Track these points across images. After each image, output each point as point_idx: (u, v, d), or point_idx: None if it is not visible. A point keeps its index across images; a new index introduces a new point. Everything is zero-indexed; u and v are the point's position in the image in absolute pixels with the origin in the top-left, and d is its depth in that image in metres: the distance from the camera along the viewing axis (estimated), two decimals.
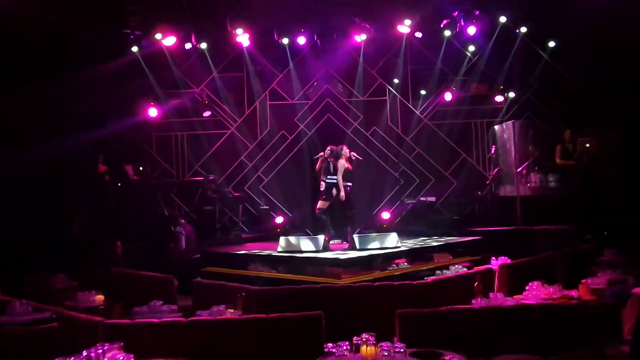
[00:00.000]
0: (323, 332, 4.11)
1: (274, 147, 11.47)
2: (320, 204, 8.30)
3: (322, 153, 8.37)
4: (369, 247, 7.82)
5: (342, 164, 8.19)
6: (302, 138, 11.53)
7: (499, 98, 11.10)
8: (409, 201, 10.98)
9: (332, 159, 8.22)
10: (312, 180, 10.25)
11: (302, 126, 11.55)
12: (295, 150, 11.52)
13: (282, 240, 8.07)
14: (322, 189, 8.25)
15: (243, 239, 10.02)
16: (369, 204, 11.12)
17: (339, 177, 8.09)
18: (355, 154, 8.36)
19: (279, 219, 10.73)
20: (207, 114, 11.03)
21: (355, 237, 8.04)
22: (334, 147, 8.40)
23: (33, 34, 7.64)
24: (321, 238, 7.98)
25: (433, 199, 10.87)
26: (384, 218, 10.60)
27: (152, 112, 10.68)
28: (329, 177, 8.25)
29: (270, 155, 11.46)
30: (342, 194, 7.99)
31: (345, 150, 8.36)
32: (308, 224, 10.85)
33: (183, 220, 8.32)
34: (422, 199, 10.94)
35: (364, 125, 11.52)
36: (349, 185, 8.27)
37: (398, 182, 11.28)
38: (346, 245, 8.29)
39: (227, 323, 4.18)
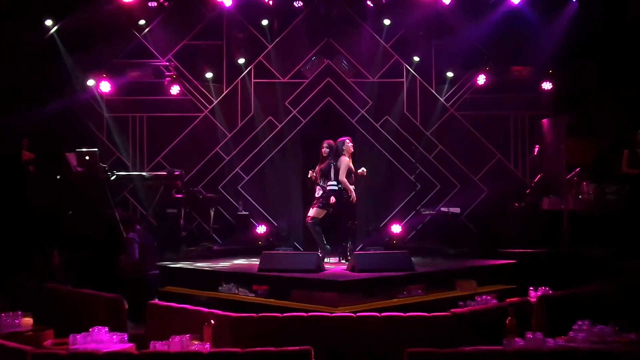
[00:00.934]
0: None
1: (258, 137, 11.57)
2: (314, 212, 8.40)
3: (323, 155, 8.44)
4: (374, 268, 7.86)
5: (346, 162, 8.31)
6: (295, 127, 11.62)
7: (546, 85, 11.10)
8: (427, 212, 11.07)
9: (332, 160, 8.35)
10: (304, 181, 10.36)
11: (294, 112, 11.64)
12: (285, 142, 11.63)
13: (264, 255, 8.18)
14: (317, 194, 8.42)
15: (214, 253, 10.20)
16: (375, 214, 11.28)
17: (342, 177, 8.18)
18: (364, 171, 8.46)
19: (261, 229, 10.91)
20: (174, 91, 11.12)
21: (357, 255, 8.14)
22: (331, 142, 8.49)
23: None
24: (313, 255, 8.07)
25: (457, 210, 10.98)
26: (394, 232, 10.73)
27: (104, 86, 10.77)
28: (329, 183, 8.40)
29: (253, 147, 11.57)
30: (354, 195, 8.18)
31: (348, 145, 8.46)
32: (298, 237, 11.03)
33: (138, 226, 8.36)
34: (444, 209, 11.02)
35: (373, 114, 11.65)
36: (352, 190, 8.41)
37: (414, 187, 11.27)
38: (345, 266, 8.39)
39: (190, 358, 4.17)
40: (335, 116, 11.52)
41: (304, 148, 11.37)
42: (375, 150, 11.41)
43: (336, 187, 8.23)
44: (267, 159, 11.62)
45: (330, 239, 8.64)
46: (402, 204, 11.51)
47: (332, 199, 8.15)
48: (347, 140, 8.48)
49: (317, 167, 8.45)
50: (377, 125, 11.67)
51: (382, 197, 11.38)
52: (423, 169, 11.55)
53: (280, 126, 11.66)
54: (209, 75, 11.33)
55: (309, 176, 8.47)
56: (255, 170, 11.60)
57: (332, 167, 8.34)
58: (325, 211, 8.31)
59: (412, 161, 11.36)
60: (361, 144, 10.67)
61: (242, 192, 11.60)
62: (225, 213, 11.43)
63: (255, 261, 8.28)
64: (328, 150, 8.45)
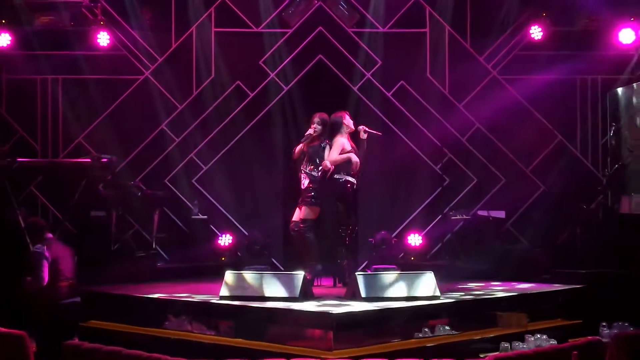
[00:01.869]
0: None
1: (221, 111, 11.74)
2: (302, 212, 8.52)
3: (310, 131, 8.60)
4: (384, 295, 7.92)
5: (341, 143, 8.46)
6: (273, 96, 11.74)
7: (626, 37, 11.19)
8: (458, 216, 11.25)
9: (323, 141, 8.55)
10: (286, 172, 10.61)
11: (272, 75, 11.78)
12: (259, 117, 11.76)
13: (229, 276, 8.23)
14: (304, 186, 8.56)
15: (159, 272, 10.28)
16: (386, 219, 11.43)
17: (331, 156, 8.34)
18: (366, 128, 8.56)
19: (225, 239, 11.19)
20: (102, 42, 11.24)
21: (360, 276, 8.17)
22: (325, 116, 8.63)
23: None
24: (298, 276, 8.10)
25: (502, 214, 11.20)
26: (412, 245, 11.03)
27: (2, 39, 10.94)
28: (316, 168, 8.54)
29: (215, 124, 11.72)
30: (349, 179, 8.37)
31: (348, 121, 8.59)
32: (276, 250, 11.25)
33: (50, 235, 8.21)
34: (482, 213, 11.22)
35: (382, 78, 11.76)
36: (350, 181, 8.48)
37: (439, 182, 11.50)
38: (343, 291, 8.47)
39: None
40: (330, 81, 11.64)
41: (286, 126, 11.47)
42: (385, 130, 11.18)
43: (333, 176, 8.42)
44: (235, 141, 11.69)
45: (323, 253, 8.76)
46: (424, 206, 11.69)
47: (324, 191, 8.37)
48: (346, 115, 8.60)
49: (300, 146, 8.62)
50: (388, 95, 11.81)
51: (396, 195, 11.51)
52: (453, 156, 11.71)
53: (252, 95, 11.78)
54: (151, 21, 11.67)
55: (296, 151, 8.61)
56: (218, 157, 11.70)
57: (326, 149, 8.50)
58: (319, 209, 8.48)
59: (438, 145, 11.53)
60: (366, 120, 10.35)
61: (199, 187, 11.70)
62: (174, 217, 11.57)
63: (217, 285, 8.31)
64: (321, 127, 8.58)
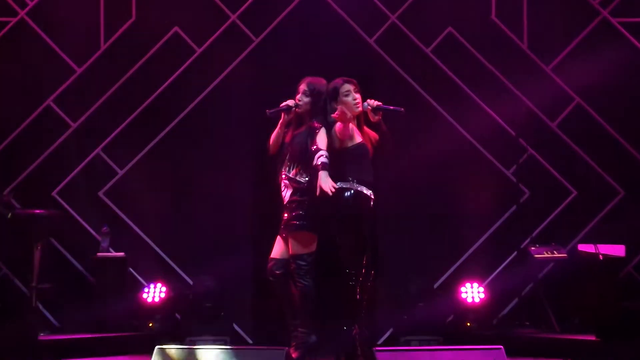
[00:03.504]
0: None
1: (147, 79, 11.99)
2: (288, 246, 8.73)
3: (289, 101, 8.94)
4: None
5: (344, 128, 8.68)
6: (235, 52, 12.00)
7: None
8: (545, 254, 11.28)
9: (314, 123, 8.82)
10: (258, 178, 11.12)
11: (233, 17, 12.10)
12: (210, 88, 12.01)
13: (160, 356, 8.43)
14: (286, 200, 8.84)
15: (42, 347, 10.14)
16: (423, 257, 11.60)
17: (322, 144, 8.55)
18: (374, 102, 8.78)
19: (156, 292, 11.15)
20: None
21: (381, 355, 8.32)
22: (319, 83, 8.93)
23: None
24: (279, 354, 8.32)
25: (620, 250, 11.15)
26: (468, 300, 11.13)
27: None
28: (304, 171, 8.79)
29: (136, 101, 11.96)
30: (365, 192, 8.56)
31: (353, 96, 8.81)
32: (242, 310, 11.46)
33: None
34: (586, 248, 11.24)
35: (416, 23, 12.06)
36: (364, 194, 8.65)
37: (514, 197, 11.54)
38: None
39: None
40: (331, 29, 11.92)
41: (259, 104, 10.84)
42: (418, 109, 11.53)
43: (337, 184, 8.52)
44: (169, 129, 11.82)
45: (320, 315, 8.83)
46: (486, 236, 11.86)
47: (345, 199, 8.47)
48: (350, 86, 8.76)
49: (273, 136, 8.94)
50: (426, 50, 12.05)
51: (438, 218, 11.75)
52: (536, 152, 11.87)
53: (200, 50, 11.99)
54: None
55: (271, 140, 8.96)
56: (141, 154, 11.84)
57: (322, 132, 8.63)
58: (316, 236, 8.70)
59: (511, 134, 11.75)
60: (387, 94, 10.48)
61: (110, 204, 11.74)
62: (67, 254, 11.61)
63: None
64: (309, 98, 8.80)
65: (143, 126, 11.97)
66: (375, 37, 12.02)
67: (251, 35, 12.15)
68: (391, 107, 8.65)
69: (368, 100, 8.65)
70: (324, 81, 8.80)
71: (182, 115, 11.96)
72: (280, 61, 11.90)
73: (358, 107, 8.64)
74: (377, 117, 8.63)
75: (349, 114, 8.38)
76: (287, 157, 8.80)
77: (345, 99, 8.62)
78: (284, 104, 8.78)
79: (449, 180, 11.79)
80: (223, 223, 11.68)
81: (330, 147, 8.54)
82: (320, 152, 8.40)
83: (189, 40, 12.06)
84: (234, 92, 12.00)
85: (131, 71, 11.98)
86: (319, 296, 8.73)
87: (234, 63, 12.10)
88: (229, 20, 12.12)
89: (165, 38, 12.00)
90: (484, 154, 11.97)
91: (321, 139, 8.56)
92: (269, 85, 11.58)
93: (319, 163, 8.37)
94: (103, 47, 12.00)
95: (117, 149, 11.90)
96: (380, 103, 8.64)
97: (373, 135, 8.76)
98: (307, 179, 8.62)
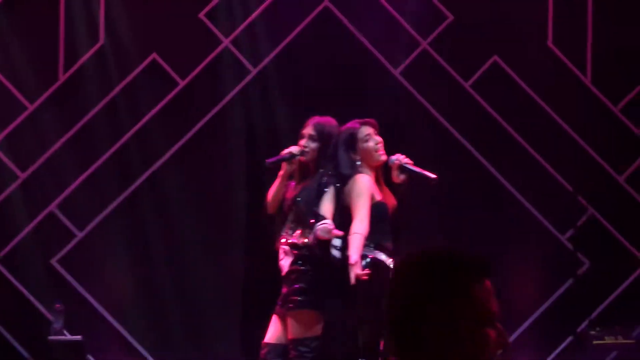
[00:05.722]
0: None
1: (110, 119, 11.51)
2: (287, 329, 8.47)
3: (292, 148, 8.73)
4: None
5: (367, 188, 8.51)
6: (228, 83, 11.61)
7: None
8: (607, 339, 10.73)
9: (325, 176, 8.66)
10: (250, 250, 10.94)
11: (226, 42, 11.75)
12: (198, 126, 11.54)
13: None
14: (285, 270, 8.55)
15: None
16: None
17: (360, 222, 8.37)
18: (404, 160, 8.65)
19: None
20: None
21: None
22: (328, 125, 8.77)
23: None
24: None
25: None
26: None
27: None
28: (309, 231, 8.56)
29: (100, 146, 11.49)
30: (355, 272, 8.29)
31: (374, 140, 8.65)
32: None
33: None
34: None
35: (453, 51, 11.62)
36: (383, 263, 8.44)
37: (570, 268, 11.04)
38: None
39: None
40: (346, 58, 11.50)
41: (252, 143, 11.35)
42: (452, 151, 11.45)
43: (339, 250, 8.45)
44: (143, 178, 11.27)
45: None
46: (535, 317, 11.38)
47: (357, 275, 8.25)
48: (369, 128, 8.55)
49: (272, 190, 8.74)
50: (464, 84, 11.49)
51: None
52: (598, 213, 11.36)
53: (183, 83, 11.36)
54: None
55: (269, 197, 8.86)
56: (106, 212, 11.27)
57: (330, 193, 8.45)
58: (322, 316, 8.45)
59: (567, 189, 11.30)
60: (413, 143, 10.66)
61: (66, 275, 11.08)
62: (9, 337, 11.07)
63: None
64: (317, 144, 8.50)
65: (110, 176, 11.39)
66: (401, 69, 11.49)
67: (248, 64, 11.64)
68: (422, 171, 8.47)
69: (398, 156, 8.44)
70: (334, 122, 8.56)
71: (159, 162, 11.38)
72: (282, 96, 11.50)
73: (381, 155, 8.40)
74: (401, 178, 8.46)
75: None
76: (288, 218, 8.56)
77: (365, 145, 8.36)
78: (286, 151, 8.48)
79: (488, 244, 11.13)
80: (207, 299, 11.29)
81: (341, 206, 8.31)
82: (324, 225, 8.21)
83: (167, 69, 11.52)
84: (224, 134, 11.59)
85: (97, 108, 11.37)
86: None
87: (226, 98, 11.53)
88: (221, 45, 11.68)
89: (142, 67, 11.43)
90: (534, 214, 11.37)
91: (328, 204, 8.34)
92: (268, 124, 11.41)
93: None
94: (62, 78, 11.40)
95: (76, 205, 11.29)
96: (411, 162, 8.44)
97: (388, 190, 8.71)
98: (314, 244, 8.28)
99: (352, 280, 8.13)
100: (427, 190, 8.94)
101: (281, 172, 8.47)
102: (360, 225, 8.04)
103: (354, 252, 8.04)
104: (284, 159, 8.43)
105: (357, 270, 8.05)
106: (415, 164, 8.62)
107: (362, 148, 8.35)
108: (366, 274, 8.06)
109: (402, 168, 8.40)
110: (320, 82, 11.36)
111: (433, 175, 8.46)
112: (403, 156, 8.46)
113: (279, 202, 8.56)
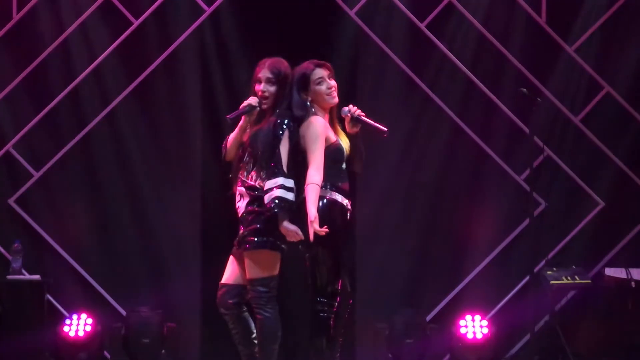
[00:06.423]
0: None
1: (64, 59, 11.38)
2: (245, 269, 8.12)
3: (250, 100, 8.33)
4: None
5: (321, 131, 8.23)
6: (181, 26, 11.49)
7: None
8: (563, 280, 10.81)
9: (280, 118, 8.33)
10: (207, 185, 10.90)
11: None
12: (147, 72, 11.45)
13: None
14: (241, 212, 8.21)
15: None
16: (413, 283, 11.42)
17: (314, 168, 8.06)
18: (356, 111, 8.31)
19: (80, 325, 10.69)
20: None
21: None
22: (284, 67, 8.35)
23: None
24: None
25: None
26: (468, 337, 10.77)
27: None
28: (277, 180, 8.11)
29: (55, 85, 11.34)
30: (314, 228, 7.88)
31: (327, 83, 8.23)
32: (188, 346, 11.15)
33: None
34: (613, 272, 11.02)
35: None
36: (340, 204, 8.11)
37: (528, 209, 10.59)
38: None
39: None
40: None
41: (208, 93, 11.16)
42: (411, 101, 11.28)
43: (292, 193, 7.98)
44: (100, 117, 11.19)
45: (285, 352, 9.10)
46: (492, 258, 11.36)
47: (288, 227, 7.89)
48: (323, 71, 8.13)
49: (234, 132, 8.39)
50: (420, 25, 11.48)
51: (431, 234, 11.40)
52: (554, 153, 11.39)
53: (137, 22, 11.32)
54: None
55: (228, 144, 8.34)
56: (63, 152, 11.17)
57: (285, 135, 8.10)
58: (279, 254, 8.06)
59: (523, 130, 11.22)
60: (376, 84, 10.85)
61: (21, 213, 11.13)
62: None
63: None
64: (275, 87, 8.14)
65: (66, 116, 11.24)
66: (356, 8, 11.37)
67: (202, 3, 11.54)
68: (375, 124, 8.14)
69: (350, 107, 8.10)
70: (286, 63, 8.11)
71: (116, 101, 11.29)
72: (235, 37, 11.44)
73: (333, 98, 8.06)
74: (354, 129, 8.16)
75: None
76: (244, 160, 8.16)
77: (317, 88, 8.00)
78: (245, 103, 8.10)
79: (446, 188, 11.35)
80: (166, 239, 11.14)
81: (297, 149, 7.97)
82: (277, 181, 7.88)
83: (124, 10, 11.34)
84: (180, 73, 11.37)
85: (51, 47, 11.30)
86: (284, 331, 8.04)
87: (179, 39, 11.44)
88: None
89: (96, 4, 11.28)
90: (491, 155, 11.38)
91: (283, 149, 7.92)
92: (223, 67, 11.31)
93: (272, 205, 7.84)
94: (15, 17, 11.31)
95: (32, 145, 11.27)
96: (363, 114, 8.10)
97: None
98: (272, 189, 7.88)
99: (311, 237, 7.81)
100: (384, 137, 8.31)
101: (241, 123, 8.26)
102: (316, 174, 7.86)
103: (312, 206, 7.85)
104: (244, 112, 8.20)
105: (316, 226, 7.77)
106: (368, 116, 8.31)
107: (313, 90, 8.12)
108: (324, 231, 7.76)
109: (355, 120, 8.22)
110: (276, 23, 11.20)
111: (384, 128, 8.17)
112: (355, 108, 8.25)
113: (236, 148, 8.30)
